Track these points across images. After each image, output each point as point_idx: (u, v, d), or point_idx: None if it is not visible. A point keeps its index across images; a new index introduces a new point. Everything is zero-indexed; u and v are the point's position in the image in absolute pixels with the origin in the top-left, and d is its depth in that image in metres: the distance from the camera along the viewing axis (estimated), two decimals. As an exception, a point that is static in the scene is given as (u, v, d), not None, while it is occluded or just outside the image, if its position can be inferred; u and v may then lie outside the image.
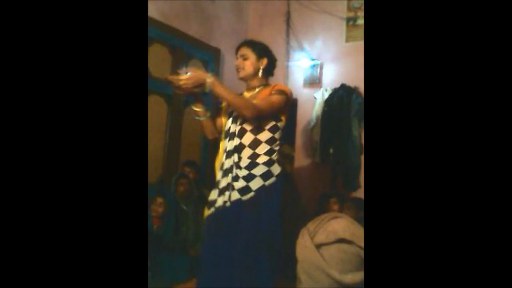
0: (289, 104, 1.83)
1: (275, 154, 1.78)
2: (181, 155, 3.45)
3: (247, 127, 1.76)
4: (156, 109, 3.26)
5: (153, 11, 3.08)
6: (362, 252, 0.83)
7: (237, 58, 1.89)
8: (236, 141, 1.76)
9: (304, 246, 0.94)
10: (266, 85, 1.87)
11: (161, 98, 3.31)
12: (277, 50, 4.04)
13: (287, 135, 4.12)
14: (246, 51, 1.84)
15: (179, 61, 3.44)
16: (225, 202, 1.72)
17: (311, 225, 0.97)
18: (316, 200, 3.42)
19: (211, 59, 3.76)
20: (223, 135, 1.87)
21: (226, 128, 1.84)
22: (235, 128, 1.79)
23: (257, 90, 1.85)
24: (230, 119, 1.83)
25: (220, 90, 1.64)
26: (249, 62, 1.83)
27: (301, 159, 3.94)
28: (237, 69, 1.87)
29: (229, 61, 3.89)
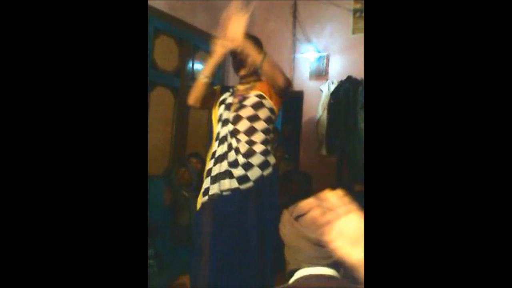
0: (286, 96, 1.85)
1: (269, 144, 1.77)
2: (187, 147, 3.48)
3: (243, 114, 1.75)
4: (163, 101, 3.27)
5: (160, 2, 3.08)
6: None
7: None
8: (230, 127, 1.74)
9: (284, 222, 0.99)
10: (258, 80, 1.86)
11: (167, 90, 3.32)
12: (284, 42, 4.07)
13: (293, 128, 4.14)
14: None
15: (185, 53, 3.45)
16: (222, 190, 1.70)
17: (291, 207, 1.02)
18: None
19: (217, 51, 3.75)
20: (216, 124, 1.85)
21: (218, 115, 1.82)
22: (228, 115, 1.77)
23: (251, 84, 1.85)
24: (223, 106, 1.81)
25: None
26: (251, 59, 1.80)
27: (306, 152, 3.95)
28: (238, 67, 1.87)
29: (235, 53, 3.88)
